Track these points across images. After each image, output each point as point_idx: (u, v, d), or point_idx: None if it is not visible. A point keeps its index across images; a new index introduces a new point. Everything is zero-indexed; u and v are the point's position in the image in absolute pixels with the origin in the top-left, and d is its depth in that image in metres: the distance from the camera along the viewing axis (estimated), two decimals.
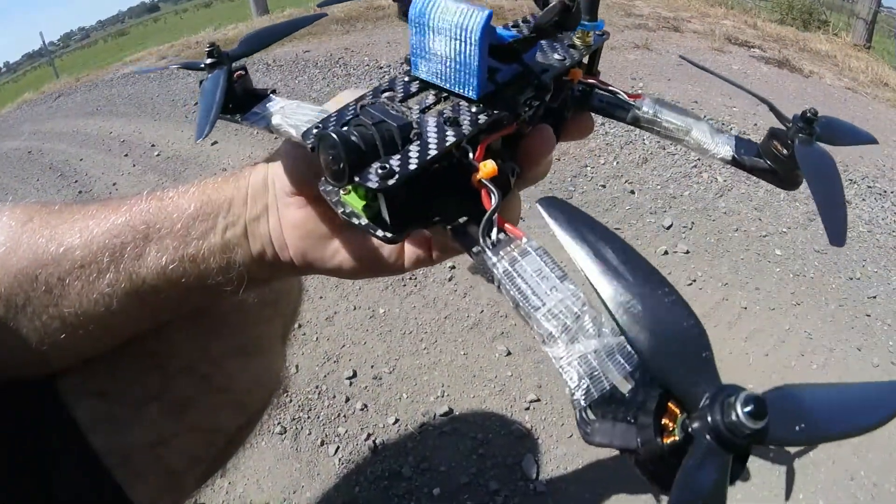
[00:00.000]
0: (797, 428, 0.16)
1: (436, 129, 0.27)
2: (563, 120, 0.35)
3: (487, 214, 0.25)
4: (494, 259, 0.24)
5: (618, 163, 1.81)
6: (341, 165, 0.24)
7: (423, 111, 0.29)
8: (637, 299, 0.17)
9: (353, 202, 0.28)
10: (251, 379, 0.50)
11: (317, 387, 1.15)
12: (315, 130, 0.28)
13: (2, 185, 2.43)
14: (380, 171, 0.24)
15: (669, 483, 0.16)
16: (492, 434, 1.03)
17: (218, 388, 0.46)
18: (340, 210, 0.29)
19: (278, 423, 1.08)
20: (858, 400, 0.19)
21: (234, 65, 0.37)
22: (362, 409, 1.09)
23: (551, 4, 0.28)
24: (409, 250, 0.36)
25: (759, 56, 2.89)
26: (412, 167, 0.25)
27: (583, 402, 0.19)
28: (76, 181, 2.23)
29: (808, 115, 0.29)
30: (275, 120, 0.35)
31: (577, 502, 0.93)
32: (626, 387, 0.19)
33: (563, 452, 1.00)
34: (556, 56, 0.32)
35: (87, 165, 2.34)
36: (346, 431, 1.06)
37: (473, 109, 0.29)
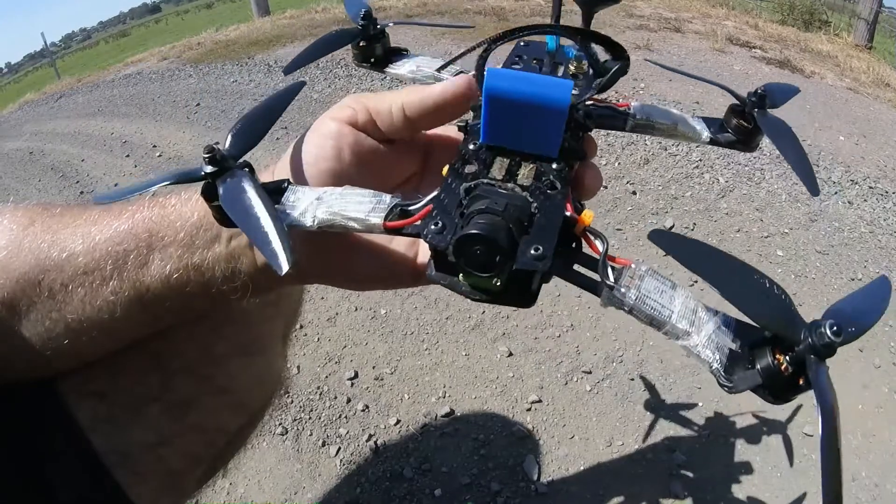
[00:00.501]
0: (850, 330, 0.24)
1: (544, 199, 0.29)
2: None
3: (601, 259, 0.28)
4: (624, 290, 0.27)
5: (619, 164, 1.81)
6: (497, 259, 0.26)
7: (512, 180, 0.30)
8: (745, 288, 0.25)
9: (476, 282, 0.28)
10: (252, 379, 0.50)
11: (318, 387, 1.15)
12: (438, 229, 0.27)
13: (3, 185, 2.44)
14: (533, 253, 0.26)
15: (787, 395, 0.25)
16: (493, 435, 1.03)
17: (219, 388, 0.46)
18: (461, 289, 0.29)
19: (280, 424, 1.08)
20: (871, 296, 0.29)
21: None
22: (364, 410, 1.09)
23: (618, 68, 0.32)
24: (423, 265, 0.36)
25: (761, 56, 2.89)
26: (552, 241, 0.27)
27: (721, 370, 0.26)
28: (78, 182, 2.24)
29: (760, 92, 0.35)
30: (320, 214, 0.31)
31: (578, 503, 0.93)
32: (734, 346, 0.26)
33: (565, 453, 1.00)
34: (574, 91, 0.34)
35: (89, 166, 2.35)
36: (348, 432, 1.06)
37: (555, 167, 0.31)
